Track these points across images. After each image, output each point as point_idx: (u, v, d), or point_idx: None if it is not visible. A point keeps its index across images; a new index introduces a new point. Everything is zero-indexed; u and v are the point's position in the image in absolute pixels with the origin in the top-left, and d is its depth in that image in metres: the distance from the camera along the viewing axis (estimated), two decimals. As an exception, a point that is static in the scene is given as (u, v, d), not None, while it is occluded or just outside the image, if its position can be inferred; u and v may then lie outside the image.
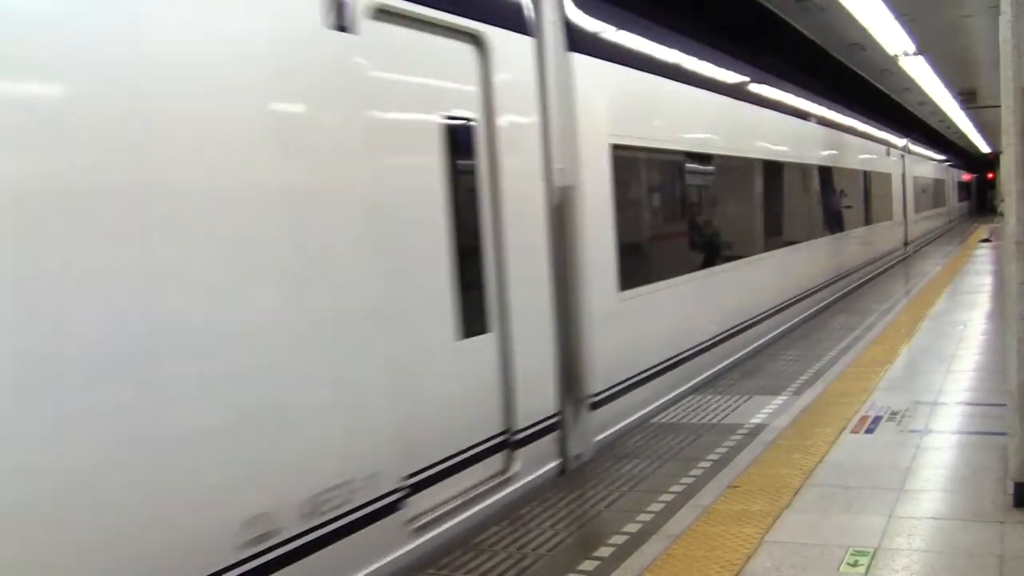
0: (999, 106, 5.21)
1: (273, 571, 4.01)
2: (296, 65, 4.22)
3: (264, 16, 4.08)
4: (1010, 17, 5.00)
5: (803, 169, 14.40)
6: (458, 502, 5.28)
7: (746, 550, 4.75)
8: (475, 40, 5.61)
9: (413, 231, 5.01)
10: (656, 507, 5.51)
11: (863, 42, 15.29)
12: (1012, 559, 4.50)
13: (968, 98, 23.31)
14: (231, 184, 3.88)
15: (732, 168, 10.85)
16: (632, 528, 5.20)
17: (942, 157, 39.95)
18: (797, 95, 14.23)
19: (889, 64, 17.72)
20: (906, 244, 25.95)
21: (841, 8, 12.47)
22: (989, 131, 36.18)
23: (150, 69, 3.57)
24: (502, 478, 5.71)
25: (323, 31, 4.34)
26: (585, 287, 6.74)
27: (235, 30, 3.94)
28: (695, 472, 6.18)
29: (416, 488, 4.92)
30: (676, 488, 5.86)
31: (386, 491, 4.66)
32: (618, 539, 5.05)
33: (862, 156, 19.40)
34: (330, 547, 4.31)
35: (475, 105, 5.63)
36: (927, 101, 25.43)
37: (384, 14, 4.76)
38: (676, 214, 9.45)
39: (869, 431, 6.95)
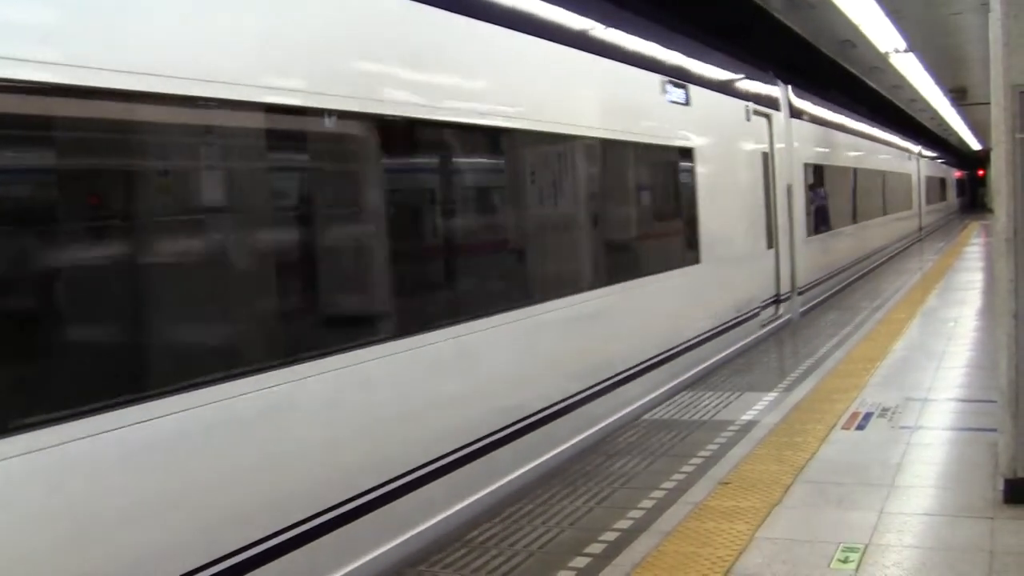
0: (989, 103, 5.22)
1: (735, 328, 10.56)
2: (742, 135, 11.40)
3: (737, 120, 11.27)
4: (1000, 15, 4.99)
5: (885, 174, 24.26)
6: (768, 319, 11.97)
7: (737, 546, 4.76)
8: (767, 117, 12.38)
9: (757, 198, 11.79)
10: (647, 504, 5.53)
11: (854, 39, 15.32)
12: (1002, 555, 4.51)
13: (959, 95, 23.36)
14: (741, 179, 11.35)
15: (858, 174, 20.02)
16: (623, 525, 5.21)
17: (937, 155, 40.67)
18: (885, 130, 24.88)
19: (880, 61, 17.76)
20: (920, 230, 32.85)
21: (832, 5, 12.48)
22: (980, 128, 36.28)
23: (747, 149, 11.83)
24: (776, 315, 12.39)
25: (744, 122, 11.37)
26: (796, 232, 13.54)
27: (735, 126, 11.30)
28: (686, 469, 6.19)
29: (760, 308, 11.53)
30: (667, 485, 5.87)
31: (755, 306, 11.40)
32: (609, 536, 5.06)
33: (905, 163, 29.15)
34: (743, 324, 10.79)
35: (768, 145, 12.34)
36: (918, 98, 25.50)
37: (753, 112, 11.56)
38: (831, 198, 16.85)
39: (860, 427, 6.97)
